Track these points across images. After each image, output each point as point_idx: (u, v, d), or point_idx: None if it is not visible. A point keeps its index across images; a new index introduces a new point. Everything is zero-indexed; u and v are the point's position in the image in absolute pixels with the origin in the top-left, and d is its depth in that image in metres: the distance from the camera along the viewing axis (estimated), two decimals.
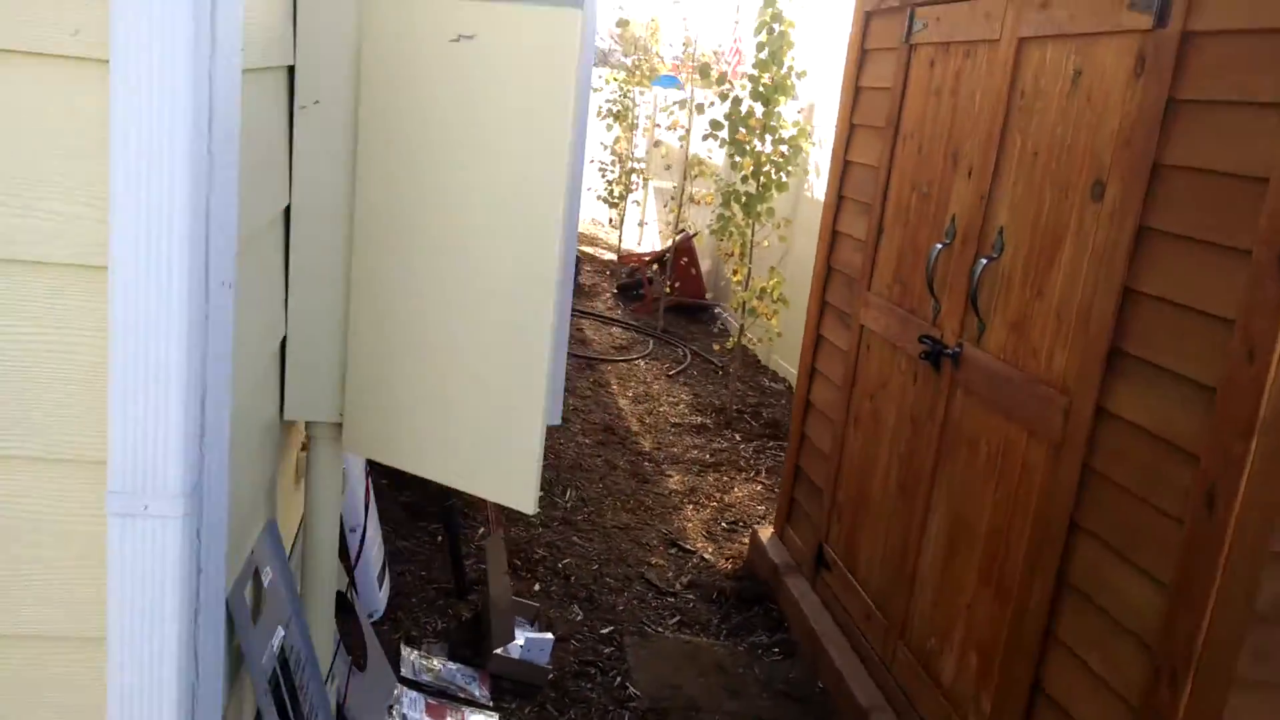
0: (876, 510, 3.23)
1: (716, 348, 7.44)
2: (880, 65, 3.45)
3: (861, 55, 3.61)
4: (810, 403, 3.87)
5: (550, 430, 5.48)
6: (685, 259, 8.84)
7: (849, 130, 3.69)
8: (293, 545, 2.34)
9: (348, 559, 2.87)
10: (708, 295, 9.26)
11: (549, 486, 4.62)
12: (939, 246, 2.91)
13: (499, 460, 1.80)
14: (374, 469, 4.21)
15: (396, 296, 1.88)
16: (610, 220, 12.06)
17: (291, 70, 1.89)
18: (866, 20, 3.58)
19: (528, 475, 1.77)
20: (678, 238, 8.93)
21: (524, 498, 1.78)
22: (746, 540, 4.32)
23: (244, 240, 1.51)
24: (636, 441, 5.52)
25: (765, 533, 4.12)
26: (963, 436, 2.74)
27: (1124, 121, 2.17)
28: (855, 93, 3.65)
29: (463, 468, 1.86)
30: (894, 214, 3.27)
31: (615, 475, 4.94)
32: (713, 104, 6.95)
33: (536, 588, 3.71)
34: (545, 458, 5.13)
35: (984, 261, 2.66)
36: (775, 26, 5.80)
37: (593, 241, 12.33)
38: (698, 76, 7.22)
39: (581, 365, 6.83)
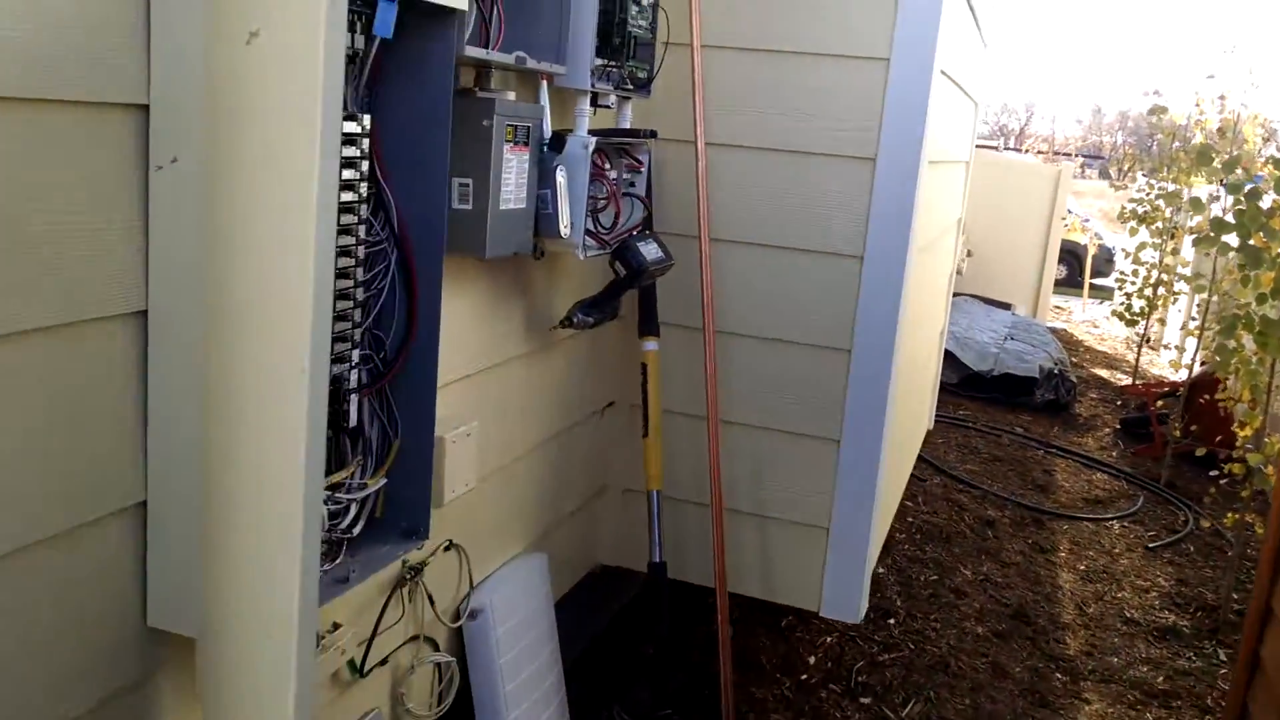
0: None
1: (1207, 522, 5.58)
2: None
3: None
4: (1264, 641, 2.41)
5: (915, 610, 4.30)
6: (1208, 395, 6.90)
7: None
8: None
9: None
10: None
11: (885, 691, 3.51)
12: None
13: None
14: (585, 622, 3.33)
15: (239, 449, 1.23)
16: (1147, 341, 10.12)
17: (146, 112, 1.35)
18: None
19: None
20: (1199, 368, 7.05)
21: None
22: None
23: None
24: (1058, 639, 4.13)
25: None
26: None
27: None
28: None
29: None
30: None
31: (998, 688, 3.65)
32: (1217, 197, 5.30)
33: None
34: (899, 648, 3.98)
35: None
36: None
37: (1112, 364, 10.42)
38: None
39: (1025, 520, 5.46)
